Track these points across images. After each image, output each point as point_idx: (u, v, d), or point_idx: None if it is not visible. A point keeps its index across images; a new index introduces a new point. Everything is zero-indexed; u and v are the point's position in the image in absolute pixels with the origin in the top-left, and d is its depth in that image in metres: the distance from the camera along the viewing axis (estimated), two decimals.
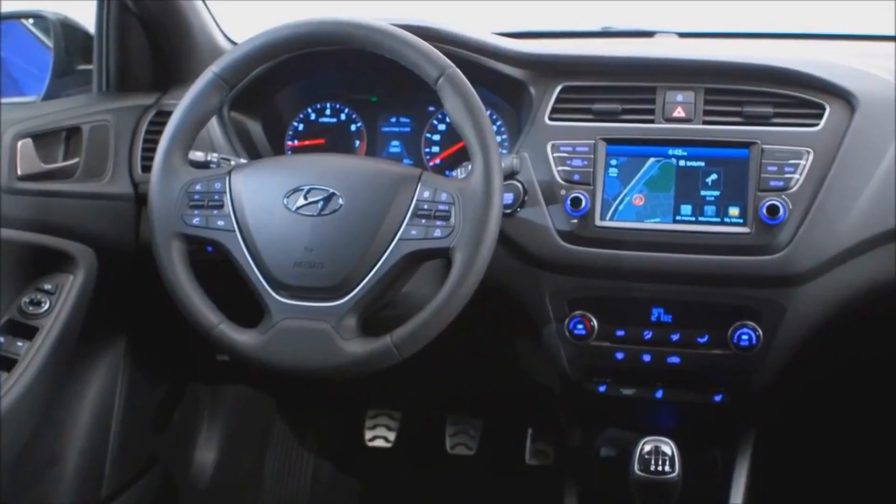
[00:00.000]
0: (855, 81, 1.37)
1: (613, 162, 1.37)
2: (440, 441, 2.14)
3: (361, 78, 1.60)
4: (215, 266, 1.26)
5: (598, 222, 1.34)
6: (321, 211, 1.23)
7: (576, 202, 1.33)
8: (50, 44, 1.67)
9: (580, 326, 1.37)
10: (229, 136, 1.51)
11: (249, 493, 2.09)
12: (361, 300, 1.21)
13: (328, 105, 1.63)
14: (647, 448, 1.34)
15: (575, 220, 1.34)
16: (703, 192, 1.34)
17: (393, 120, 1.62)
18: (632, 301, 1.37)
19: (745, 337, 1.32)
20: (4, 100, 1.67)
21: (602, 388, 1.43)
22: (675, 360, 1.37)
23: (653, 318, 1.37)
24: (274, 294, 1.23)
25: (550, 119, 1.41)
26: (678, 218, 1.34)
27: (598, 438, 1.53)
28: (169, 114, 1.31)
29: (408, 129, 1.61)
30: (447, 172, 1.48)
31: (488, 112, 1.29)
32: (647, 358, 1.38)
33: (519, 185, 1.36)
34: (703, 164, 1.35)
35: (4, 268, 1.44)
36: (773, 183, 1.31)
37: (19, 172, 1.43)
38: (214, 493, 2.01)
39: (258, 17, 1.59)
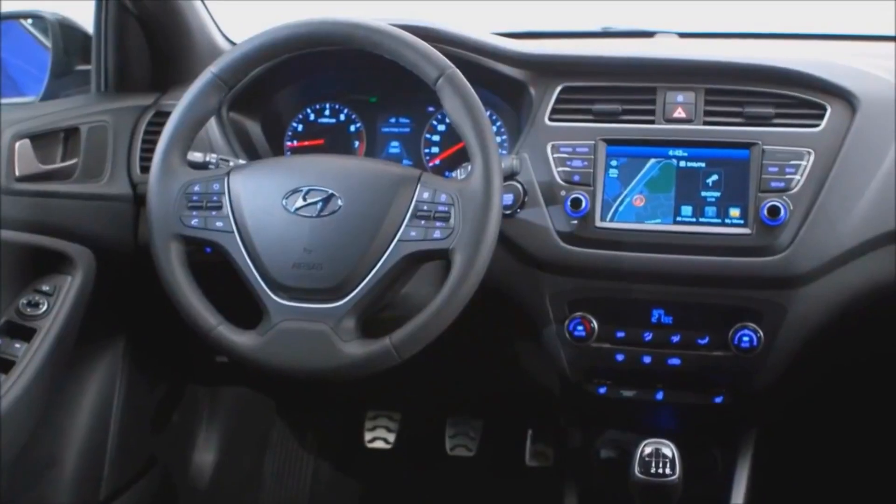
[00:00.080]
0: (856, 82, 1.36)
1: (613, 163, 1.36)
2: (440, 442, 2.13)
3: (361, 78, 1.59)
4: (214, 267, 1.26)
5: (598, 223, 1.34)
6: (320, 212, 1.23)
7: (576, 203, 1.32)
8: (48, 44, 1.67)
9: (580, 328, 1.36)
10: (228, 137, 1.51)
11: (249, 494, 2.09)
12: (361, 301, 1.21)
13: (327, 105, 1.63)
14: (648, 450, 1.34)
15: (575, 221, 1.34)
16: (703, 193, 1.34)
17: (392, 120, 1.61)
18: (632, 302, 1.36)
19: (745, 338, 1.32)
20: (3, 100, 1.67)
21: (602, 390, 1.43)
22: (675, 361, 1.36)
23: (653, 320, 1.36)
24: (273, 295, 1.23)
25: (550, 119, 1.41)
26: (679, 219, 1.33)
27: (599, 440, 1.53)
28: (167, 114, 1.31)
29: (407, 129, 1.61)
30: (447, 173, 1.48)
31: (488, 112, 1.29)
32: (647, 359, 1.37)
33: (519, 185, 1.35)
34: (703, 164, 1.34)
35: (2, 269, 1.44)
36: (774, 184, 1.30)
37: (17, 173, 1.43)
38: (214, 495, 2.01)
39: (257, 17, 1.59)
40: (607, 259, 1.34)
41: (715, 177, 1.34)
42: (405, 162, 1.60)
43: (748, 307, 1.33)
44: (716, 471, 1.49)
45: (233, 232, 1.25)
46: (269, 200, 1.25)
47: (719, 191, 1.33)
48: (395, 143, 1.61)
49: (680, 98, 1.38)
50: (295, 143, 1.63)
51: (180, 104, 1.29)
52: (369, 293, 1.21)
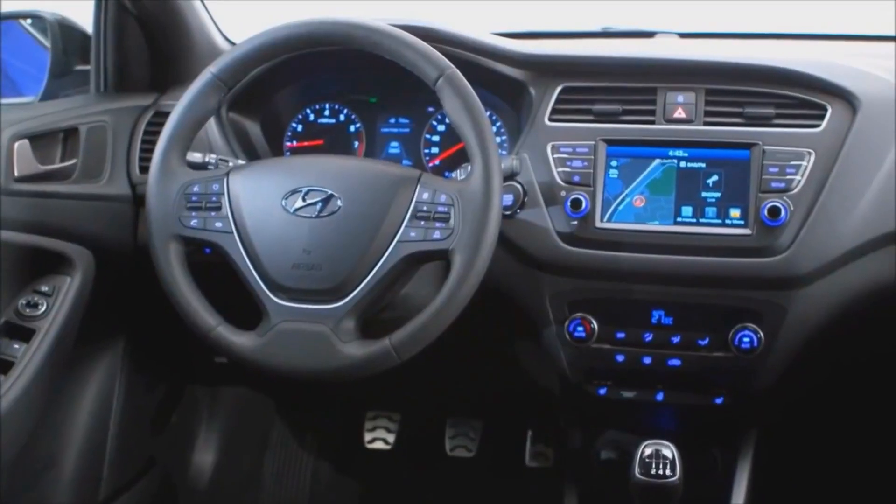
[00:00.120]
0: (856, 82, 1.36)
1: (614, 163, 1.36)
2: (440, 443, 2.13)
3: (360, 79, 1.59)
4: (213, 268, 1.26)
5: (598, 224, 1.34)
6: (320, 212, 1.23)
7: (576, 203, 1.32)
8: (48, 44, 1.67)
9: (580, 328, 1.36)
10: (227, 137, 1.51)
11: (248, 494, 2.08)
12: (360, 302, 1.21)
13: (327, 106, 1.62)
14: (648, 451, 1.34)
15: (575, 222, 1.33)
16: (703, 194, 1.33)
17: (392, 121, 1.61)
18: (632, 303, 1.36)
19: (746, 339, 1.32)
20: (2, 100, 1.67)
21: (602, 391, 1.42)
22: (675, 362, 1.36)
23: (653, 321, 1.36)
24: (272, 296, 1.23)
25: (550, 120, 1.41)
26: (679, 219, 1.33)
27: (599, 441, 1.52)
28: (167, 114, 1.31)
29: (407, 130, 1.60)
30: (447, 174, 1.47)
31: (488, 113, 1.28)
32: (647, 360, 1.37)
33: (519, 186, 1.35)
34: (703, 165, 1.34)
35: (2, 270, 1.44)
36: (774, 184, 1.30)
37: (16, 174, 1.42)
38: (213, 495, 2.01)
39: (257, 17, 1.59)
40: (607, 260, 1.33)
41: (715, 177, 1.33)
42: (405, 162, 1.60)
43: (748, 308, 1.33)
44: (716, 472, 1.49)
45: (232, 232, 1.25)
46: (269, 201, 1.24)
47: (719, 191, 1.33)
48: (394, 144, 1.61)
49: (680, 98, 1.38)
50: (294, 143, 1.63)
51: (179, 104, 1.29)
52: (369, 294, 1.21)
